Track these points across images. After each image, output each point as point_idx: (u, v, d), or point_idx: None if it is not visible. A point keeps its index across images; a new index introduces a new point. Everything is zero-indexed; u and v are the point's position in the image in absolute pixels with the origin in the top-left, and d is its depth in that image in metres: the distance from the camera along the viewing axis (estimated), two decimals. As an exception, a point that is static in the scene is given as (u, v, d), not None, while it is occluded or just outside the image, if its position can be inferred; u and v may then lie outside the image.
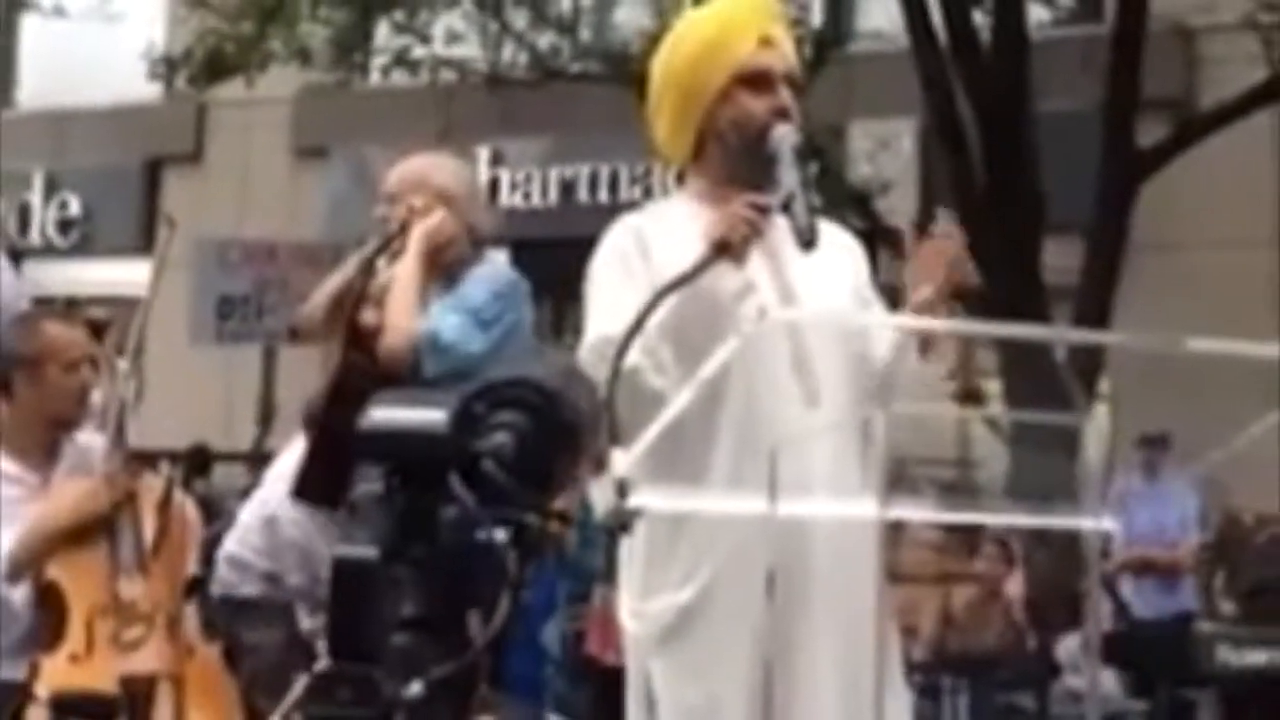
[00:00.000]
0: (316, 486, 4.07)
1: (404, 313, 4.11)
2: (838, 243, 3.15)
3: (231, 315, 11.70)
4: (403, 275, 4.16)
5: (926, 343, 3.02)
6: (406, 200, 4.23)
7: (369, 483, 2.22)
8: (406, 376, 3.99)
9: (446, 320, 4.07)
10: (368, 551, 2.13)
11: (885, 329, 3.10)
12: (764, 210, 2.90)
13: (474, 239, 4.28)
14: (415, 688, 2.06)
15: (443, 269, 4.20)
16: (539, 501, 2.16)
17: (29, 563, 4.08)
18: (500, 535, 2.11)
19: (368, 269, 4.23)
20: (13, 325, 4.45)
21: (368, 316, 4.19)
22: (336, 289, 4.24)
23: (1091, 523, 2.59)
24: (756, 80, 3.06)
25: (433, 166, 4.32)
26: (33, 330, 4.38)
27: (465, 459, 2.14)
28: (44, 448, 4.26)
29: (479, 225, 4.30)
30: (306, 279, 4.56)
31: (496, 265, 4.32)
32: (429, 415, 2.20)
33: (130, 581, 4.13)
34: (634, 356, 2.74)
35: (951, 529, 7.96)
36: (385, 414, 2.22)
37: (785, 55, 3.14)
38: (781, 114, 3.04)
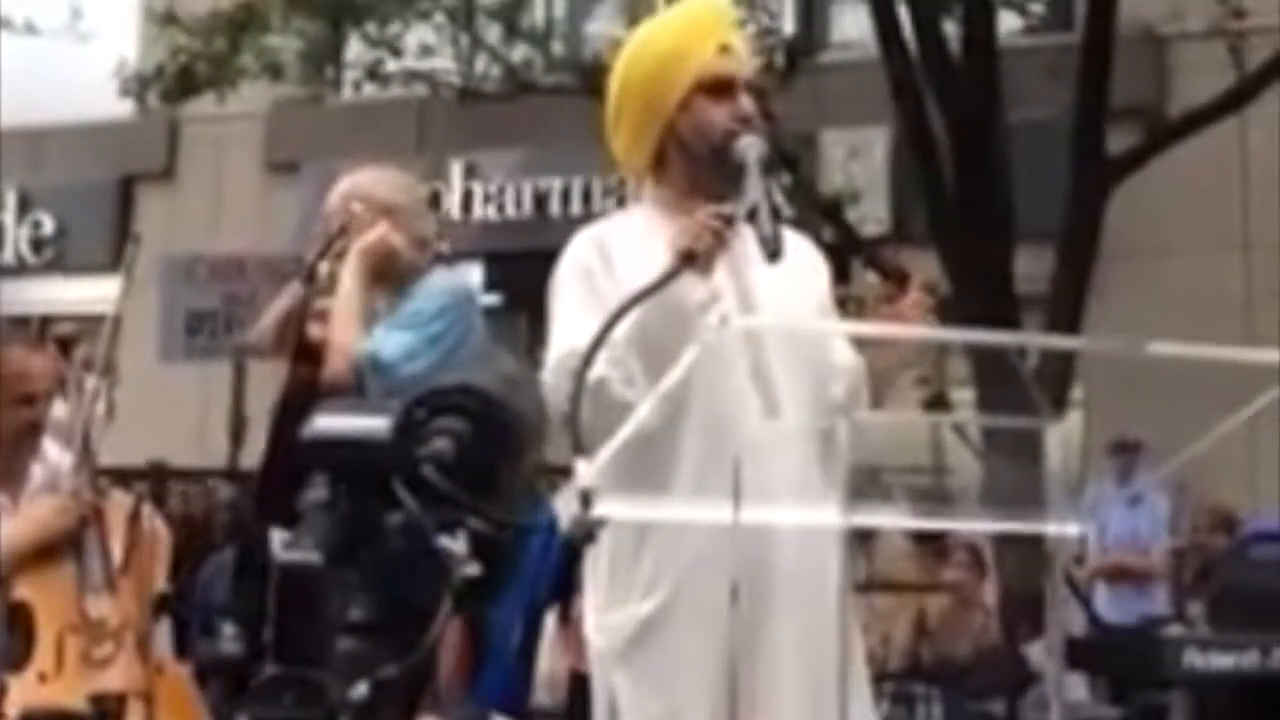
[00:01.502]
0: (279, 505, 4.05)
1: (344, 332, 4.08)
2: (804, 254, 3.15)
3: (200, 331, 11.64)
4: (342, 293, 4.14)
5: (878, 396, 3.05)
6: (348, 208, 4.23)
7: (315, 490, 2.22)
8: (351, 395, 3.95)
9: (389, 340, 4.04)
10: (311, 556, 2.14)
11: (842, 338, 3.10)
12: (729, 220, 2.89)
13: (423, 249, 4.27)
14: (360, 690, 2.06)
15: (392, 281, 4.18)
16: (481, 506, 2.16)
17: None
18: (448, 541, 2.12)
19: (310, 275, 4.21)
20: None
21: (314, 331, 4.18)
22: (284, 308, 4.22)
23: (1056, 527, 2.60)
24: (718, 88, 3.06)
25: (373, 180, 4.30)
26: None
27: (407, 465, 2.14)
28: (10, 469, 4.24)
29: (425, 235, 4.28)
30: (275, 293, 4.56)
31: (446, 276, 4.28)
32: (371, 422, 2.21)
33: (98, 599, 4.12)
34: (601, 368, 2.74)
35: (924, 537, 7.97)
36: (328, 422, 2.23)
37: (745, 62, 3.14)
38: (744, 121, 3.03)
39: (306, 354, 4.19)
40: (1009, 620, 7.67)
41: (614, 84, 3.16)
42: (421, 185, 12.86)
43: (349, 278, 4.15)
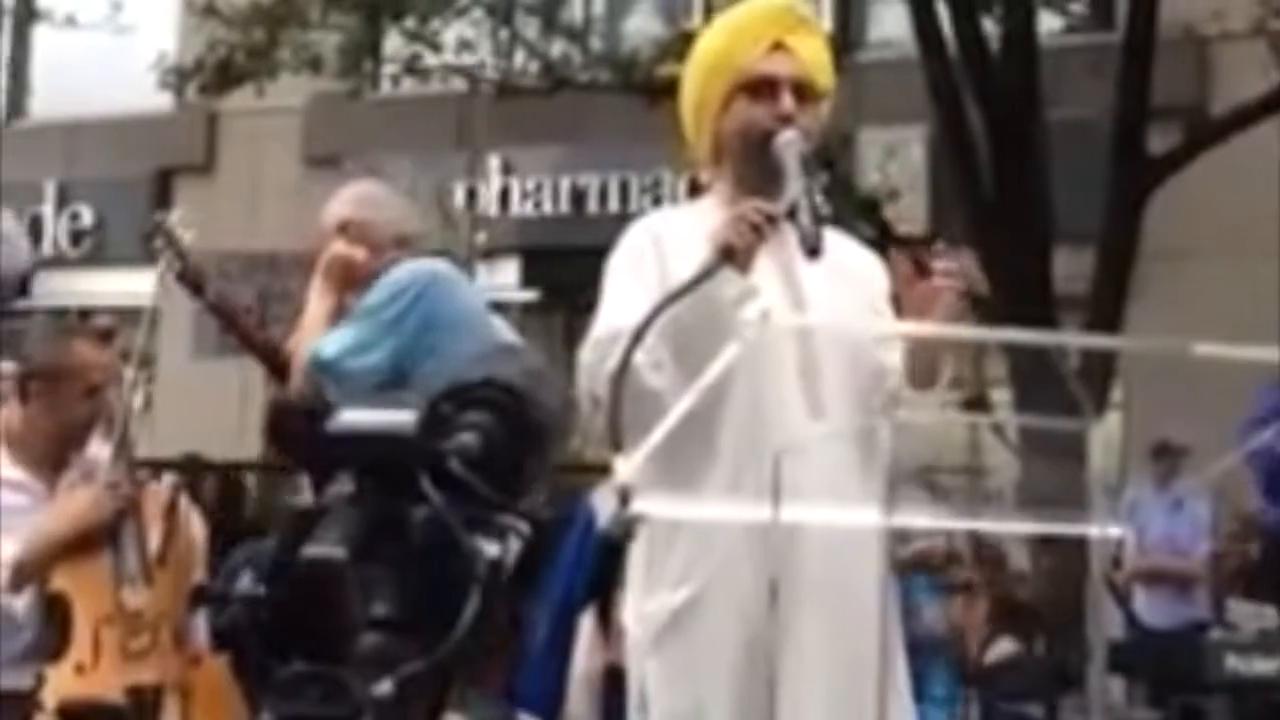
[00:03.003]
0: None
1: (304, 347, 4.29)
2: (857, 257, 3.14)
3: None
4: (307, 312, 4.38)
5: (929, 375, 3.00)
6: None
7: (339, 484, 2.22)
8: (317, 405, 4.08)
9: (329, 338, 4.19)
10: (335, 551, 2.13)
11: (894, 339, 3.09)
12: (771, 217, 2.88)
13: (397, 247, 4.39)
14: (385, 686, 2.05)
15: (364, 286, 4.34)
16: (508, 501, 2.15)
17: (33, 571, 4.07)
18: (479, 540, 2.11)
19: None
20: (46, 335, 4.47)
21: (290, 343, 4.46)
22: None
23: (1098, 529, 2.58)
24: (758, 87, 3.06)
25: (328, 208, 4.54)
26: (60, 345, 4.38)
27: (433, 459, 2.14)
28: (52, 459, 4.26)
29: (386, 238, 4.43)
30: (308, 289, 4.70)
31: (404, 265, 4.35)
32: (397, 416, 2.20)
33: (135, 591, 4.13)
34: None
35: (963, 536, 7.94)
36: (353, 416, 2.22)
37: (801, 61, 3.11)
38: (784, 120, 3.02)
39: (282, 369, 4.48)
40: (1046, 623, 7.63)
41: (684, 79, 3.21)
42: (452, 181, 12.94)
43: (312, 296, 4.40)
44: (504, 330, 4.44)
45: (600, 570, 5.10)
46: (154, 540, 4.21)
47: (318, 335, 4.28)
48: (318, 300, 4.40)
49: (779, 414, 2.90)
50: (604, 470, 2.94)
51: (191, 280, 4.71)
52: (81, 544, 4.10)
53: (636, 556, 2.99)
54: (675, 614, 2.91)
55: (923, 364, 2.98)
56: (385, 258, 4.37)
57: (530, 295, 13.90)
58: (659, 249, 3.02)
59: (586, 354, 2.91)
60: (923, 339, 2.95)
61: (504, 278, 13.81)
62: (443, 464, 2.14)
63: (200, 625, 4.27)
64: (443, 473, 2.14)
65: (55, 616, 4.05)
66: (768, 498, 2.47)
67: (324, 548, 2.11)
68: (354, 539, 2.13)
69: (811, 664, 2.85)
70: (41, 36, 16.75)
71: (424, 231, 4.60)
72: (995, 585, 8.20)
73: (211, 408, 13.43)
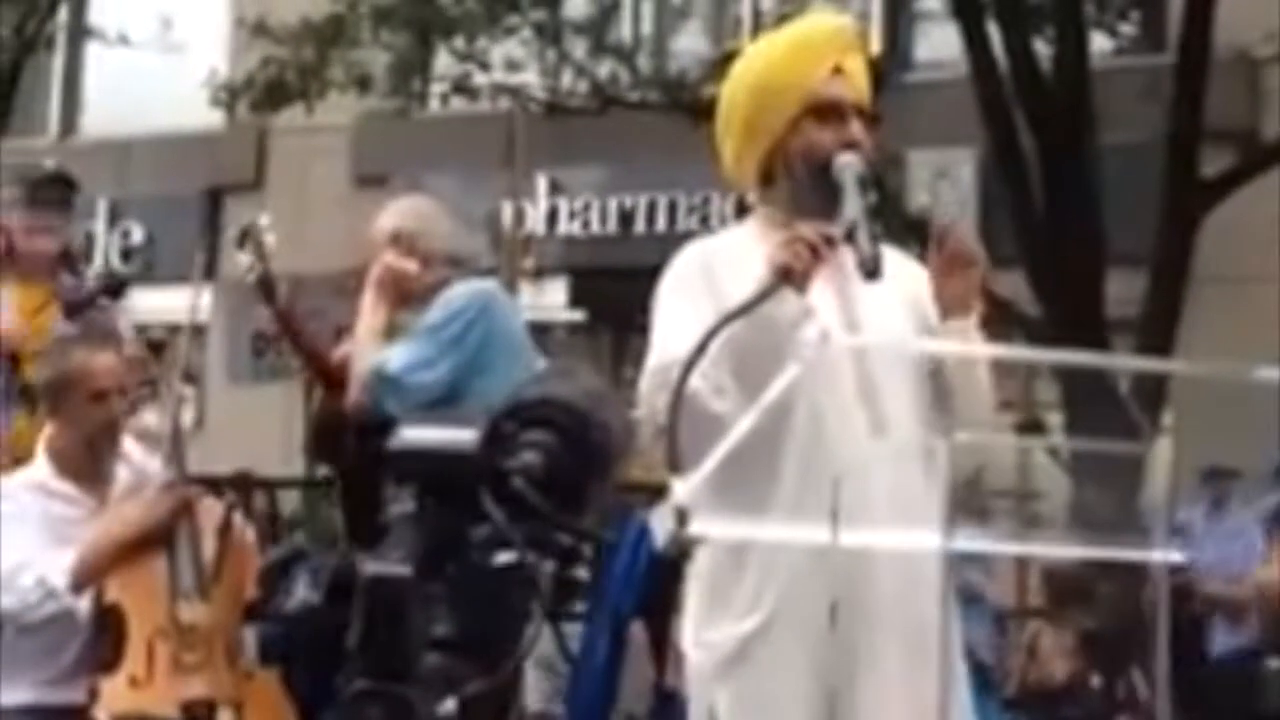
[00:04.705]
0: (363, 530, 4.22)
1: (360, 360, 4.33)
2: (906, 272, 3.13)
3: (266, 351, 11.60)
4: (360, 326, 4.41)
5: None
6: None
7: (401, 504, 2.23)
8: (376, 420, 4.11)
9: (395, 352, 4.22)
10: (401, 570, 2.13)
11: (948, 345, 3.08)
12: (829, 239, 2.88)
13: (447, 265, 4.42)
14: (449, 706, 2.05)
15: (412, 300, 4.42)
16: (568, 520, 2.15)
17: (94, 572, 4.09)
18: (534, 557, 2.11)
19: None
20: (51, 347, 4.50)
21: (337, 354, 4.55)
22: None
23: (1160, 555, 2.55)
24: (826, 111, 3.05)
25: (379, 221, 4.57)
26: (59, 355, 4.40)
27: (495, 477, 2.14)
28: (93, 470, 4.28)
29: (444, 251, 4.47)
30: (340, 308, 4.80)
31: (464, 284, 4.43)
32: (459, 434, 2.20)
33: (190, 605, 4.14)
34: (692, 381, 2.74)
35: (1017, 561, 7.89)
36: (416, 434, 2.23)
37: (857, 86, 3.12)
38: (851, 146, 3.02)
39: (331, 381, 4.55)
40: (1101, 649, 7.57)
41: (725, 95, 3.17)
42: (500, 200, 12.97)
43: (365, 310, 4.42)
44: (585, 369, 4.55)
45: (653, 590, 5.10)
46: (208, 554, 4.22)
47: (373, 348, 4.31)
48: (371, 313, 4.43)
49: (841, 433, 2.89)
50: (648, 489, 2.94)
51: (267, 286, 4.79)
52: (136, 553, 4.12)
53: (696, 583, 2.97)
54: (745, 640, 2.89)
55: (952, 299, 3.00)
56: (438, 273, 4.40)
57: (577, 315, 13.91)
58: (710, 274, 3.02)
59: (645, 383, 2.91)
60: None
61: (551, 298, 13.82)
62: (505, 482, 2.14)
63: (250, 640, 4.29)
64: (505, 491, 2.14)
65: (109, 628, 4.07)
66: (837, 519, 2.45)
67: (389, 564, 2.12)
68: (417, 557, 2.13)
69: (889, 686, 2.83)
70: (94, 54, 16.88)
71: (476, 251, 4.61)
72: (1060, 613, 8.13)
73: (262, 426, 13.47)
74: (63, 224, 5.43)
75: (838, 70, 3.08)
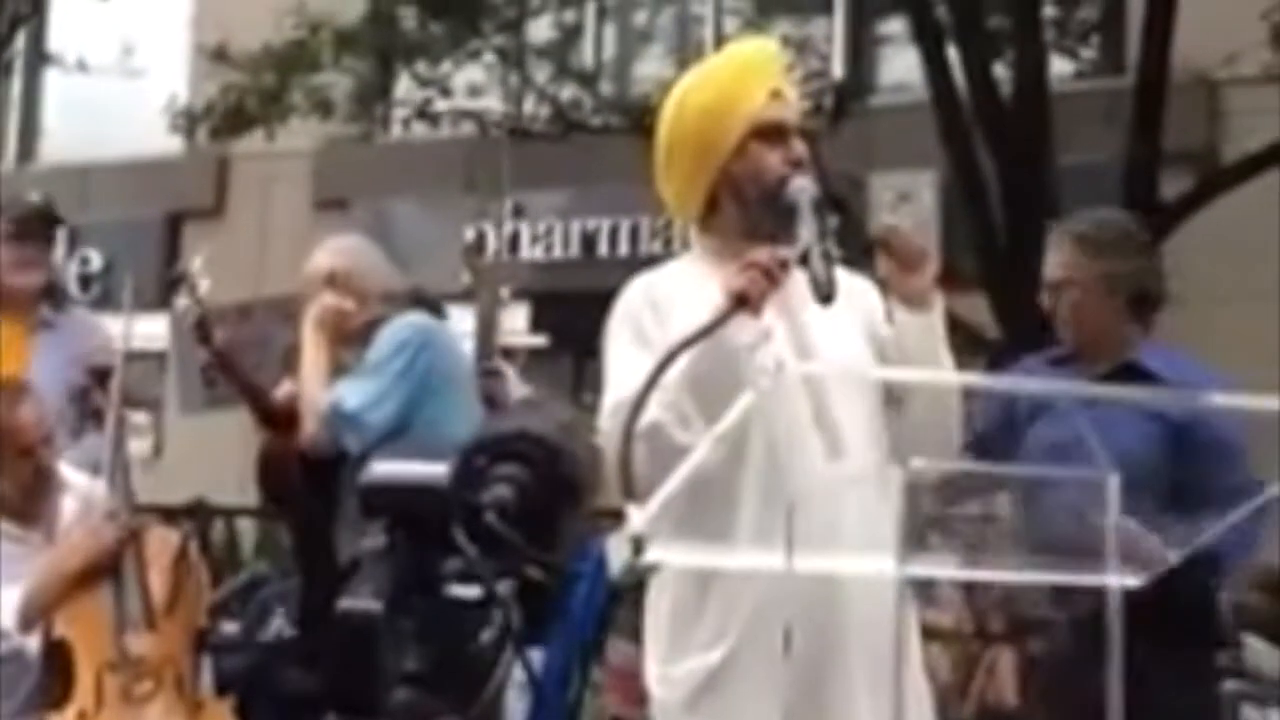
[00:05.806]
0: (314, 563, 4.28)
1: (310, 395, 4.41)
2: (853, 289, 3.11)
3: (217, 380, 11.57)
4: (305, 362, 4.48)
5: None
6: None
7: (372, 538, 2.20)
8: (331, 456, 4.31)
9: (348, 390, 4.34)
10: (372, 605, 2.10)
11: (903, 371, 3.06)
12: (783, 263, 2.87)
13: (385, 301, 4.53)
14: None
15: (354, 338, 4.49)
16: (539, 553, 2.13)
17: (41, 611, 4.05)
18: (504, 589, 2.08)
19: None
20: None
21: (281, 393, 4.61)
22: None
23: (1117, 580, 2.54)
24: (771, 133, 3.05)
25: (314, 261, 4.63)
26: None
27: (467, 511, 2.11)
28: (33, 510, 4.26)
29: (373, 289, 4.56)
30: (287, 335, 4.82)
31: (403, 318, 4.51)
32: (430, 469, 2.18)
33: (138, 636, 4.10)
34: (655, 412, 2.71)
35: (974, 586, 7.87)
36: (387, 468, 2.20)
37: (794, 106, 3.14)
38: (797, 165, 3.02)
39: (274, 418, 4.63)
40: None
41: (664, 129, 3.14)
42: (466, 225, 12.93)
43: (308, 347, 4.50)
44: (556, 401, 4.63)
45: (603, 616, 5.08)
46: (156, 584, 4.18)
47: (319, 386, 4.36)
48: (315, 351, 4.50)
49: (799, 460, 2.86)
50: (609, 515, 2.91)
51: (203, 329, 4.82)
52: (85, 580, 4.08)
53: (658, 617, 2.94)
54: (711, 673, 2.86)
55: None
56: (373, 310, 4.44)
57: (539, 340, 13.89)
58: (656, 307, 3.00)
59: (605, 423, 2.87)
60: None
61: (513, 322, 13.80)
62: (477, 516, 2.12)
63: (205, 669, 4.25)
64: (477, 525, 2.11)
65: (56, 664, 4.02)
66: (794, 545, 2.43)
67: (359, 599, 2.09)
68: (388, 592, 2.10)
69: (857, 712, 2.81)
70: (53, 80, 16.83)
71: (407, 286, 4.67)
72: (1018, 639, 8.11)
73: (220, 455, 13.40)
74: (47, 258, 5.38)
75: (775, 93, 3.09)
